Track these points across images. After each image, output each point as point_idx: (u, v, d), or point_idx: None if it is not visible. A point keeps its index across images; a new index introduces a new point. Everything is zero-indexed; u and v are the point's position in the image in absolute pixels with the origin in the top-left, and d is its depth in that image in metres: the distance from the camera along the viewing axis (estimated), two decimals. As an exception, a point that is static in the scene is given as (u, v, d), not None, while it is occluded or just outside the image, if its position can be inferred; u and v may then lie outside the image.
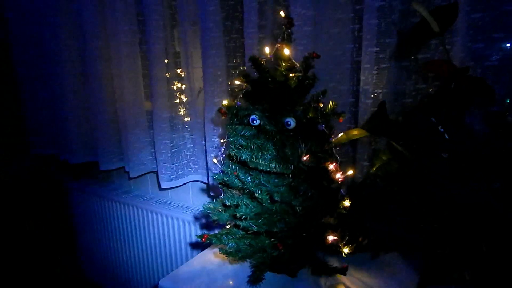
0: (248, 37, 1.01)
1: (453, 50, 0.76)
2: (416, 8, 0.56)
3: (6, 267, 1.94)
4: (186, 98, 1.30)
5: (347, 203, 0.70)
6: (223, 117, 0.78)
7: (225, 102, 0.77)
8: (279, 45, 0.73)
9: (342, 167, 0.72)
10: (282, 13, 0.74)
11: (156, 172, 1.35)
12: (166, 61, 1.25)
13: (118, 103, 1.38)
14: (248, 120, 0.71)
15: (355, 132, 0.69)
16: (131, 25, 1.27)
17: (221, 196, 0.82)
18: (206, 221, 1.30)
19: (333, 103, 0.72)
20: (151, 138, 1.37)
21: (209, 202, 0.81)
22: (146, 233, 1.51)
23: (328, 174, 0.70)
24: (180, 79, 1.29)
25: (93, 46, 1.37)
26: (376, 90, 0.83)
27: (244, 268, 0.80)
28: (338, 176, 0.72)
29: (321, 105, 0.70)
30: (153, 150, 1.37)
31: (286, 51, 0.72)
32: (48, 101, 1.65)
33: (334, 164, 0.70)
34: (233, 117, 0.75)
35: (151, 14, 1.18)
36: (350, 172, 0.72)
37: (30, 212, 2.08)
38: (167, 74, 1.26)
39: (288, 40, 0.73)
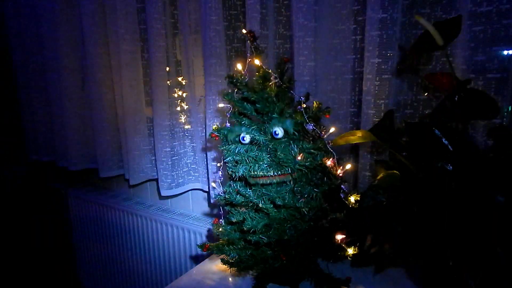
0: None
1: (455, 62, 0.77)
2: (420, 21, 0.56)
3: (3, 274, 1.92)
4: (187, 106, 1.30)
5: (353, 199, 0.70)
6: (215, 140, 0.80)
7: (214, 126, 0.80)
8: (249, 59, 0.76)
9: (340, 163, 0.73)
10: (244, 30, 0.78)
11: (156, 180, 1.34)
12: (167, 69, 1.25)
13: (119, 110, 1.38)
14: (239, 139, 0.74)
15: (360, 134, 0.69)
16: (133, 33, 1.27)
17: (221, 218, 0.83)
18: (207, 231, 1.30)
19: (317, 102, 0.75)
20: (151, 146, 1.36)
21: (217, 224, 0.82)
22: (145, 242, 1.50)
23: (327, 170, 0.70)
24: (181, 87, 1.29)
25: (93, 53, 1.37)
26: (378, 101, 0.84)
27: (246, 279, 0.79)
28: (339, 172, 0.72)
29: (304, 105, 0.72)
30: (153, 158, 1.37)
31: (257, 62, 0.75)
32: (48, 108, 1.64)
33: (331, 159, 0.70)
34: (224, 138, 0.77)
35: (152, 22, 1.18)
36: (348, 166, 0.73)
37: (28, 219, 2.06)
38: (168, 81, 1.27)
39: (257, 52, 0.76)
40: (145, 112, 1.36)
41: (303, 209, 0.70)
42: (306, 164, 0.69)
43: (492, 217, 0.51)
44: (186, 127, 1.31)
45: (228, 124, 0.79)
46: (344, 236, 0.70)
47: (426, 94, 0.86)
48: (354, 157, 0.95)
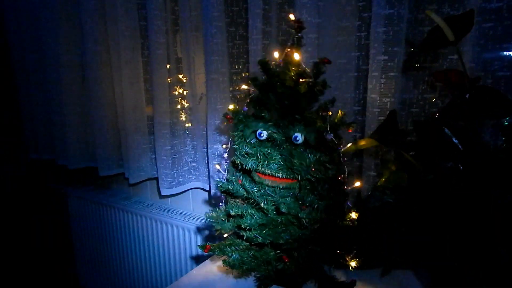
0: (253, 43, 0.99)
1: (463, 60, 0.75)
2: (431, 16, 0.54)
3: (2, 273, 1.90)
4: (188, 104, 1.28)
5: (353, 215, 0.68)
6: (229, 122, 0.75)
7: (231, 107, 0.75)
8: (288, 49, 0.71)
9: (349, 178, 0.70)
10: (292, 17, 0.72)
11: (156, 179, 1.33)
12: (168, 66, 1.24)
13: (118, 108, 1.36)
14: (256, 135, 0.70)
15: (363, 142, 0.68)
16: (133, 30, 1.25)
17: (221, 204, 0.80)
18: (208, 231, 1.28)
19: (342, 112, 0.70)
20: (151, 144, 1.35)
21: (211, 210, 0.79)
22: (145, 241, 1.48)
23: (336, 185, 0.68)
24: (181, 84, 1.27)
25: (93, 51, 1.35)
26: (384, 99, 0.82)
27: (248, 281, 0.78)
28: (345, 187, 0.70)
29: (330, 113, 0.68)
30: (153, 156, 1.35)
31: (296, 56, 0.70)
32: (47, 106, 1.62)
33: (341, 176, 0.68)
34: (239, 123, 0.73)
35: (153, 19, 1.16)
36: (357, 184, 0.70)
37: (27, 218, 2.05)
38: (168, 79, 1.25)
39: (298, 44, 0.71)
40: (145, 110, 1.34)
41: (304, 220, 0.67)
42: (318, 176, 0.67)
43: (503, 217, 0.50)
44: (187, 125, 1.29)
45: (245, 108, 0.75)
46: (343, 252, 0.68)
47: (434, 98, 0.83)
48: (358, 156, 0.93)
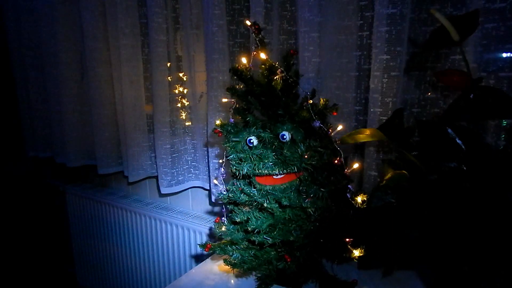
0: (254, 42, 0.99)
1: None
2: (435, 15, 0.54)
3: (0, 271, 1.89)
4: (188, 103, 1.27)
5: (359, 199, 0.68)
6: (219, 136, 0.78)
7: (218, 122, 0.78)
8: (254, 52, 0.74)
9: (347, 161, 0.71)
10: (247, 22, 0.75)
11: (156, 177, 1.32)
12: (168, 64, 1.23)
13: (118, 106, 1.36)
14: (246, 142, 0.72)
15: (368, 132, 0.68)
16: (133, 27, 1.25)
17: (223, 217, 0.80)
18: (208, 230, 1.27)
19: (324, 99, 0.73)
20: (151, 143, 1.34)
21: (219, 223, 0.79)
22: (144, 240, 1.48)
23: (334, 170, 0.68)
24: (182, 83, 1.27)
25: (92, 48, 1.34)
26: (386, 99, 0.82)
27: (249, 280, 0.77)
28: (346, 171, 0.71)
29: (310, 101, 0.71)
30: (153, 155, 1.34)
31: (263, 55, 0.73)
32: (46, 104, 1.62)
33: (338, 158, 0.69)
34: (229, 135, 0.75)
35: (153, 16, 1.16)
36: (356, 165, 0.71)
37: (25, 215, 2.04)
38: (168, 77, 1.24)
39: (262, 45, 0.73)
40: (145, 108, 1.33)
41: (309, 209, 0.68)
42: (313, 163, 0.67)
43: (507, 218, 0.49)
44: (187, 123, 1.29)
45: (231, 120, 0.77)
46: (350, 237, 0.68)
47: (429, 93, 0.84)
48: (359, 156, 0.93)
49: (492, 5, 0.70)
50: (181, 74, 1.26)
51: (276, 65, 0.72)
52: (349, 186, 0.71)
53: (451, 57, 0.81)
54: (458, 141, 0.53)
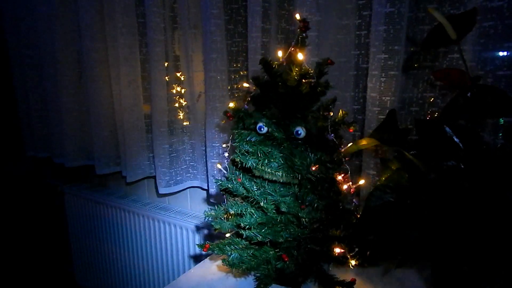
0: (252, 41, 0.99)
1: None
2: (433, 14, 0.54)
3: (-4, 273, 1.89)
4: (186, 102, 1.27)
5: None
6: (229, 120, 0.75)
7: (231, 105, 0.75)
8: (292, 49, 0.70)
9: (352, 178, 0.70)
10: (297, 16, 0.71)
11: (154, 177, 1.32)
12: (166, 64, 1.23)
13: (116, 106, 1.35)
14: (255, 128, 0.69)
15: (364, 142, 0.67)
16: (131, 27, 1.24)
17: (223, 203, 0.79)
18: (207, 229, 1.27)
19: (343, 112, 0.70)
20: (149, 143, 1.34)
21: (210, 209, 0.79)
22: (142, 240, 1.47)
23: (336, 185, 0.68)
24: (180, 82, 1.27)
25: (90, 48, 1.34)
26: (384, 98, 0.82)
27: (248, 280, 0.77)
28: (346, 187, 0.70)
29: (331, 114, 0.68)
30: (151, 155, 1.34)
31: (300, 56, 0.69)
32: (44, 103, 1.61)
33: (343, 175, 0.68)
34: (239, 121, 0.72)
35: (151, 16, 1.15)
36: (361, 182, 0.70)
37: (24, 215, 2.03)
38: (166, 77, 1.24)
39: (302, 44, 0.70)
40: (143, 108, 1.33)
41: (304, 219, 0.67)
42: (318, 176, 0.66)
43: (509, 218, 0.49)
44: (185, 123, 1.29)
45: (246, 106, 0.74)
46: (342, 250, 0.68)
47: (433, 97, 0.84)
48: (359, 156, 0.93)
49: (490, 4, 0.70)
50: (179, 74, 1.26)
51: (310, 71, 0.69)
52: (354, 201, 0.70)
53: (449, 56, 0.81)
54: (456, 139, 0.53)
